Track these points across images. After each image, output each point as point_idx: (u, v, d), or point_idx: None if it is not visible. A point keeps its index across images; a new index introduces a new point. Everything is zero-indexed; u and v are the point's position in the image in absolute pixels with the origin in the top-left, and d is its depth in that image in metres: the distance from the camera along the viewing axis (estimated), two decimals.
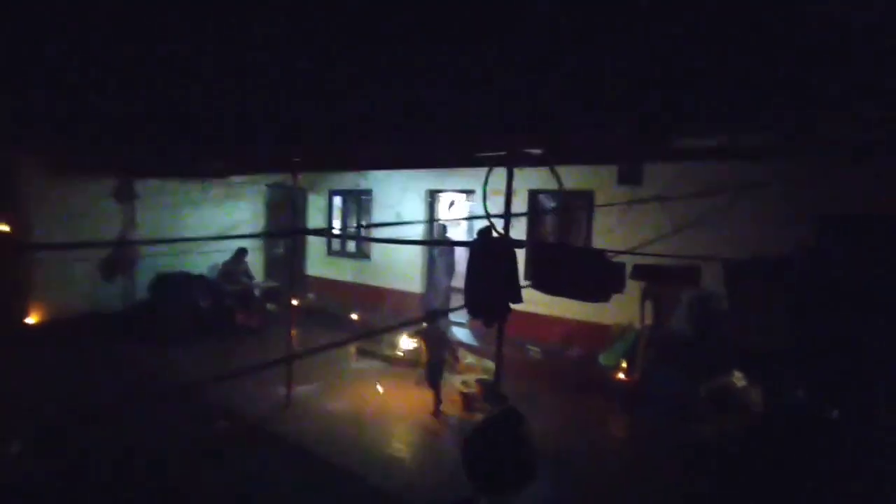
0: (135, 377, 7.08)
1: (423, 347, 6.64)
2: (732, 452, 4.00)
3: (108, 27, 3.12)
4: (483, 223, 4.23)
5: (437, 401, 6.39)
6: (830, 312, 3.90)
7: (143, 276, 9.13)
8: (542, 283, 4.04)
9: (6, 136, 8.15)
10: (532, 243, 4.83)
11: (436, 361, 6.41)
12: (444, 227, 9.90)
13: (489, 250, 4.12)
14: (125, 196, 8.94)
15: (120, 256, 8.86)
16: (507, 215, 4.07)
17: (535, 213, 7.32)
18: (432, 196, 10.20)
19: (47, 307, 8.44)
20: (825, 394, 4.35)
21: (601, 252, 3.92)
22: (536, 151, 3.75)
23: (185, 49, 4.02)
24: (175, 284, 8.86)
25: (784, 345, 3.78)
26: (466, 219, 9.95)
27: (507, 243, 4.13)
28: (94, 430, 5.17)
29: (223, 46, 3.78)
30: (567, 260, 4.04)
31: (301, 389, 6.72)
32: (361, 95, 4.23)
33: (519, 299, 4.19)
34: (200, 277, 9.36)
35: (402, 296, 10.37)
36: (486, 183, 4.23)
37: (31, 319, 8.25)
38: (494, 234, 4.19)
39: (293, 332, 6.58)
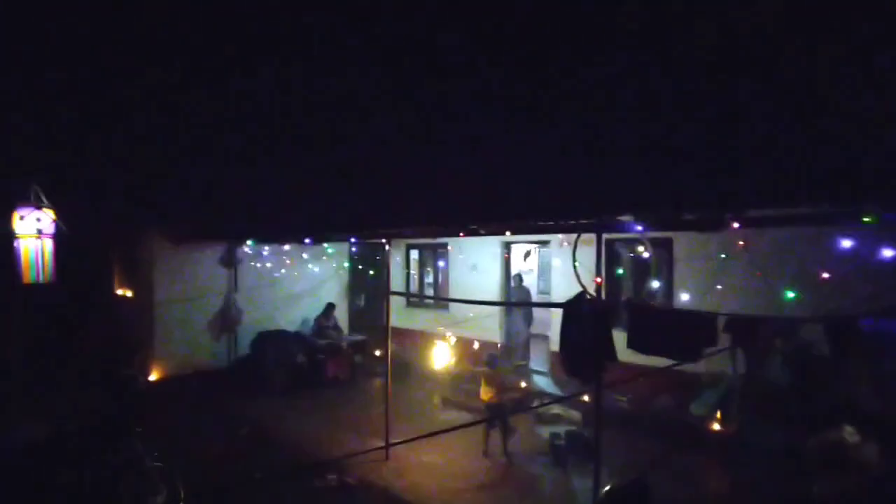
0: (249, 429, 7.67)
1: (485, 389, 6.87)
2: None
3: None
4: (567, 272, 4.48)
5: (503, 443, 6.57)
6: None
7: (246, 334, 9.95)
8: (638, 343, 4.22)
9: (133, 216, 9.32)
10: (627, 306, 5.02)
11: (496, 405, 6.57)
12: (520, 277, 10.16)
13: (583, 313, 4.37)
14: (229, 261, 9.87)
15: (227, 317, 9.71)
16: (601, 281, 4.31)
17: (610, 261, 7.47)
18: (507, 248, 10.52)
19: (165, 365, 9.33)
20: None
21: (695, 313, 4.07)
22: (625, 218, 4.01)
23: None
24: (273, 341, 9.58)
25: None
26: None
27: (599, 305, 4.37)
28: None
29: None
30: (661, 319, 4.21)
31: (397, 441, 7.05)
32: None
33: (614, 357, 4.38)
34: (296, 334, 10.07)
35: (482, 345, 10.60)
36: (574, 250, 4.51)
37: (152, 376, 9.15)
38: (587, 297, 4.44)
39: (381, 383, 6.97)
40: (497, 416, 6.68)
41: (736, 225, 3.48)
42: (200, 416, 8.22)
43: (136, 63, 7.63)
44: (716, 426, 6.59)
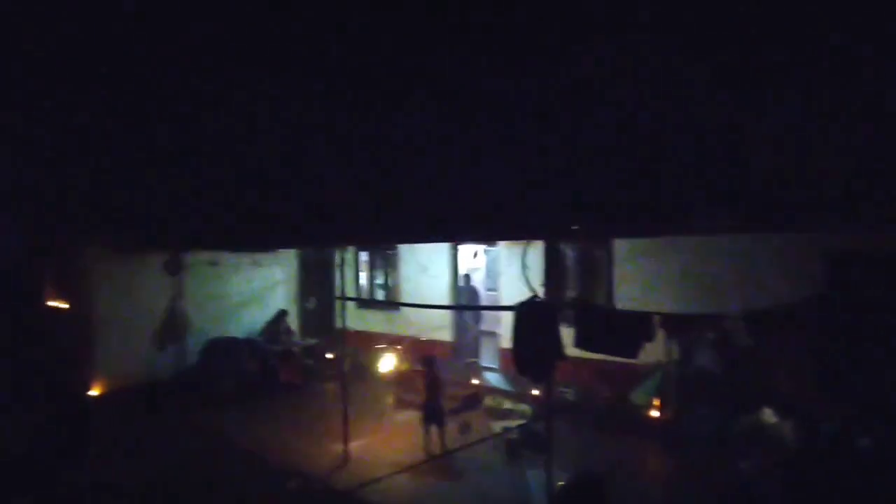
0: (204, 442, 7.56)
1: (421, 389, 7.19)
2: (771, 488, 4.42)
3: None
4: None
5: (440, 440, 6.93)
6: (853, 350, 4.38)
7: (194, 343, 9.74)
8: (584, 342, 4.57)
9: (69, 224, 8.90)
10: (573, 307, 5.38)
11: (431, 404, 6.97)
12: (468, 277, 10.46)
13: (532, 316, 4.67)
14: (175, 268, 9.61)
15: (173, 326, 9.46)
16: (550, 283, 4.62)
17: (555, 265, 7.86)
18: (456, 248, 10.78)
19: (107, 378, 9.00)
20: (856, 424, 4.79)
21: (635, 313, 4.46)
22: (573, 227, 4.33)
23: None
24: (223, 349, 9.43)
25: (812, 389, 4.24)
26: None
27: (549, 308, 4.69)
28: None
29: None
30: (604, 319, 4.58)
31: (354, 444, 7.16)
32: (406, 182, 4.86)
33: (563, 356, 4.72)
34: (247, 340, 9.95)
35: (432, 345, 10.82)
36: (524, 256, 4.81)
37: (93, 391, 8.80)
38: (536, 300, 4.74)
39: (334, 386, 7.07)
40: (432, 415, 6.94)
41: None
42: (148, 430, 8.02)
43: (65, 56, 7.31)
44: (654, 413, 7.12)
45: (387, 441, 7.53)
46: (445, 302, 10.65)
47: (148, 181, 8.28)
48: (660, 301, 7.02)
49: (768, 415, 5.05)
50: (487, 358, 10.36)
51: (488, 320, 10.76)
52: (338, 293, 12.20)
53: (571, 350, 4.84)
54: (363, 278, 12.29)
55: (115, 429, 7.94)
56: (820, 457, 4.74)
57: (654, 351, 7.41)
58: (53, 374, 8.13)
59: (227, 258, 10.44)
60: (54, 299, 10.11)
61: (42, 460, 4.99)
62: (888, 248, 5.82)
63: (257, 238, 8.13)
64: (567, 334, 4.83)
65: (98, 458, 5.52)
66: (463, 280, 10.37)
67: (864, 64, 2.31)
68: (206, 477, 6.37)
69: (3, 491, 4.81)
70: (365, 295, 12.35)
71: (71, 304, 9.63)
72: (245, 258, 10.73)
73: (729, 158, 3.21)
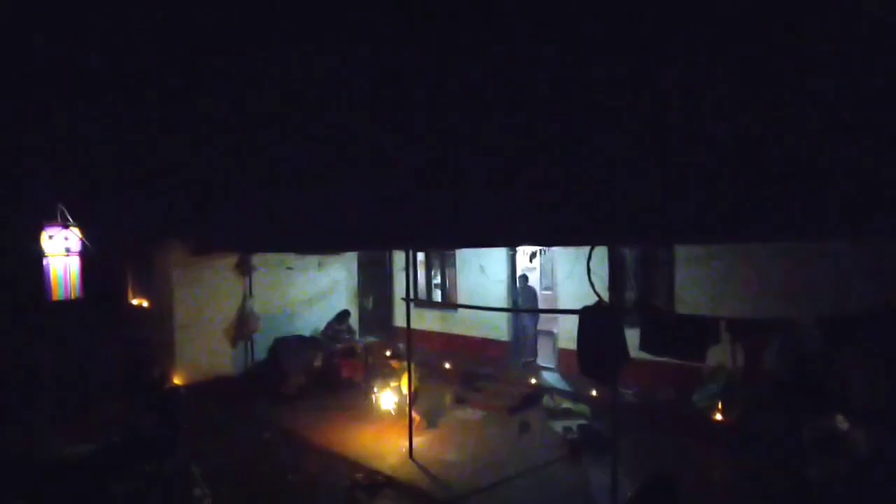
0: (272, 433, 8.03)
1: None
2: (841, 497, 4.34)
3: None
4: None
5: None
6: None
7: (262, 340, 10.30)
8: (650, 346, 4.62)
9: (148, 226, 9.60)
10: (639, 311, 5.42)
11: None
12: (525, 278, 10.53)
13: (598, 320, 4.75)
14: (244, 269, 10.18)
15: (244, 323, 10.04)
16: (614, 287, 4.69)
17: (619, 269, 7.85)
18: (514, 248, 10.86)
19: (185, 373, 9.65)
20: None
21: (701, 317, 4.47)
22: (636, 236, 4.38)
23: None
24: (290, 346, 9.92)
25: (887, 396, 4.13)
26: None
27: (614, 312, 4.76)
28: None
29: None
30: (671, 324, 4.61)
31: (417, 440, 7.41)
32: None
33: (627, 360, 4.78)
34: (311, 339, 10.43)
35: (489, 344, 10.98)
36: (589, 261, 4.88)
37: (175, 383, 9.47)
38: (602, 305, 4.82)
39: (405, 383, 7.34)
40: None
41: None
42: (225, 421, 8.57)
43: (150, 75, 7.93)
44: (718, 416, 7.02)
45: (447, 437, 7.74)
46: (503, 302, 10.78)
47: (224, 192, 8.85)
48: (724, 303, 6.92)
49: (840, 421, 4.91)
50: (544, 357, 10.43)
51: (544, 320, 10.81)
52: (400, 293, 12.67)
53: (633, 350, 4.89)
54: (421, 277, 12.56)
55: (195, 420, 8.54)
56: (893, 466, 4.60)
57: (716, 353, 7.31)
58: (144, 367, 8.80)
59: (296, 260, 10.97)
60: (138, 298, 10.93)
61: (140, 448, 5.49)
62: None
63: (325, 241, 8.53)
64: (630, 335, 4.89)
65: (187, 447, 5.98)
66: (521, 281, 10.46)
67: None
68: (278, 468, 6.79)
69: (102, 478, 5.28)
70: (422, 294, 12.62)
71: (153, 304, 10.39)
72: (312, 259, 11.23)
73: (813, 164, 3.22)
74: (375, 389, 8.60)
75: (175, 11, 6.39)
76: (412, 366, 7.31)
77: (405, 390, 7.44)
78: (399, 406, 8.06)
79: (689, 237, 4.33)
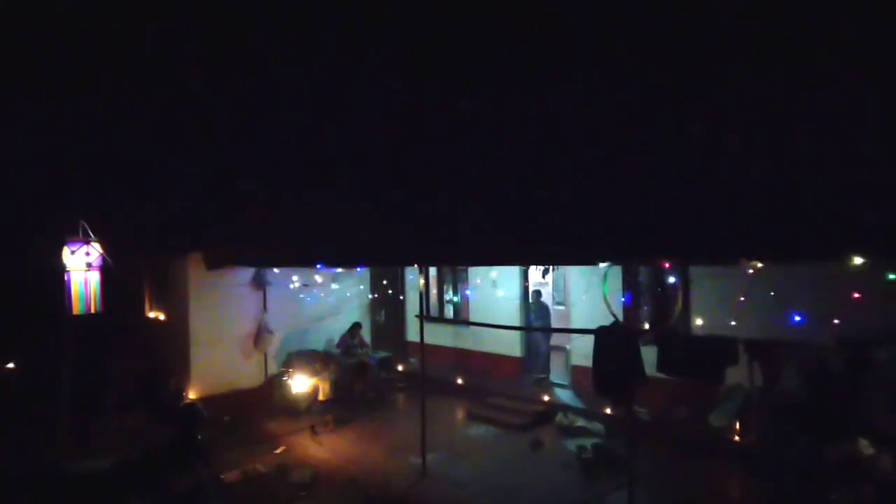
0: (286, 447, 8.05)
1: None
2: None
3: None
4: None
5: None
6: None
7: (276, 354, 10.36)
8: (668, 367, 4.60)
9: (165, 241, 9.76)
10: (657, 335, 5.40)
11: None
12: (538, 293, 10.50)
13: (614, 340, 4.75)
14: (258, 283, 10.28)
15: (259, 337, 10.12)
16: (630, 307, 4.69)
17: (634, 288, 7.80)
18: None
19: (200, 386, 9.72)
20: None
21: (719, 338, 4.45)
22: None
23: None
24: (303, 361, 9.96)
25: None
26: None
27: (630, 332, 4.75)
28: None
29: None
30: (688, 345, 4.59)
31: (430, 458, 7.37)
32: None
33: (645, 379, 4.76)
34: (325, 353, 10.47)
35: (501, 360, 10.93)
36: (605, 280, 4.89)
37: (190, 397, 9.54)
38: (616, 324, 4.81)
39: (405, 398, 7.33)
40: None
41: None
42: (240, 436, 8.61)
43: (167, 92, 8.12)
44: (735, 437, 6.92)
45: (460, 455, 7.70)
46: (515, 317, 10.75)
47: (238, 210, 8.98)
48: (742, 323, 6.84)
49: (865, 446, 4.84)
50: (557, 374, 10.36)
51: (557, 336, 10.74)
52: (412, 309, 12.68)
53: (651, 371, 4.85)
54: (433, 293, 12.58)
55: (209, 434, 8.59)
56: None
57: (732, 372, 7.21)
58: (160, 379, 8.90)
59: (310, 275, 11.07)
60: (154, 311, 11.06)
61: (159, 462, 5.54)
62: None
63: (339, 257, 8.61)
64: (646, 353, 4.86)
65: (205, 462, 6.02)
66: (533, 296, 10.43)
67: None
68: (291, 483, 6.80)
69: (123, 492, 5.33)
70: (434, 310, 12.62)
71: (169, 317, 10.51)
72: (326, 274, 11.32)
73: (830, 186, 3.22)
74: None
75: (205, 29, 6.57)
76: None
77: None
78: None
79: (706, 257, 4.31)
